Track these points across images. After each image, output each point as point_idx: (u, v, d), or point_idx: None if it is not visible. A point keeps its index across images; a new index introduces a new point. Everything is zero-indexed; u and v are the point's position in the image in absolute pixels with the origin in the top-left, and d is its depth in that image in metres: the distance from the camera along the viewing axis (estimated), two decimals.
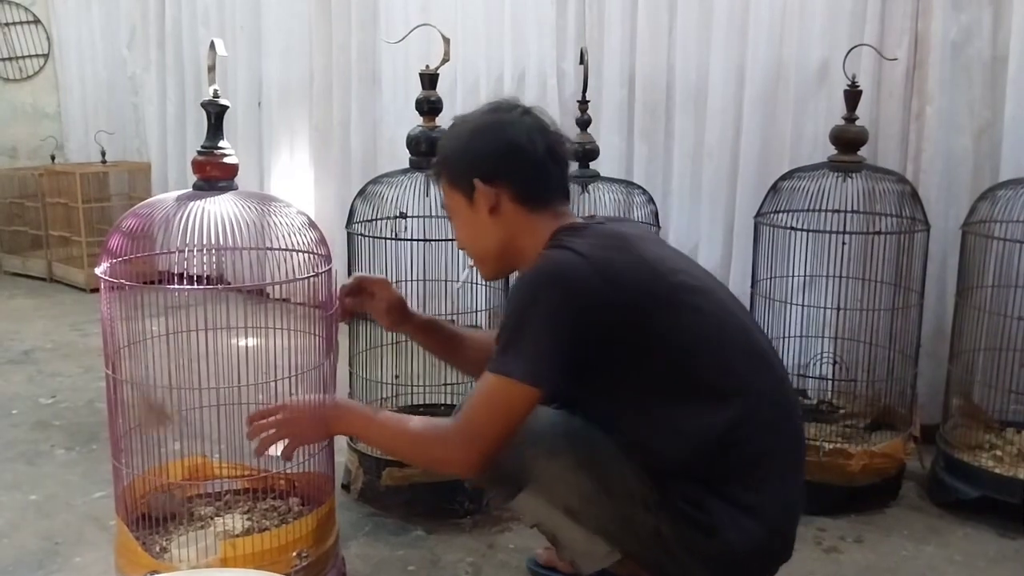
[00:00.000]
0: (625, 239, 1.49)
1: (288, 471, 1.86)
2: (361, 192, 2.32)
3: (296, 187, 4.10)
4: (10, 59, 5.11)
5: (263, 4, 4.08)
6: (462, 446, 1.43)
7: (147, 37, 4.73)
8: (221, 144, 1.68)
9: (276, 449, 1.60)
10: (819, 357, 2.43)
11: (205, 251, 1.60)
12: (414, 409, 2.36)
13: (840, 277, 2.36)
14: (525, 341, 1.39)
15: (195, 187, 1.70)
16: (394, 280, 2.34)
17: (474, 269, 1.67)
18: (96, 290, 1.70)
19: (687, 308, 1.44)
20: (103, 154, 4.73)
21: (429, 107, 2.28)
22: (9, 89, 5.14)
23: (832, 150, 2.33)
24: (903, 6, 2.49)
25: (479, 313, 2.40)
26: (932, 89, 2.47)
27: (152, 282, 1.66)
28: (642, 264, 1.44)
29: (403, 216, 2.39)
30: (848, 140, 2.30)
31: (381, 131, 3.77)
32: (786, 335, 2.42)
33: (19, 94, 5.17)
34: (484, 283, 2.32)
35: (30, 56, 5.17)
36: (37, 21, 5.17)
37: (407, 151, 2.29)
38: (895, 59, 2.49)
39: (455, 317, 2.47)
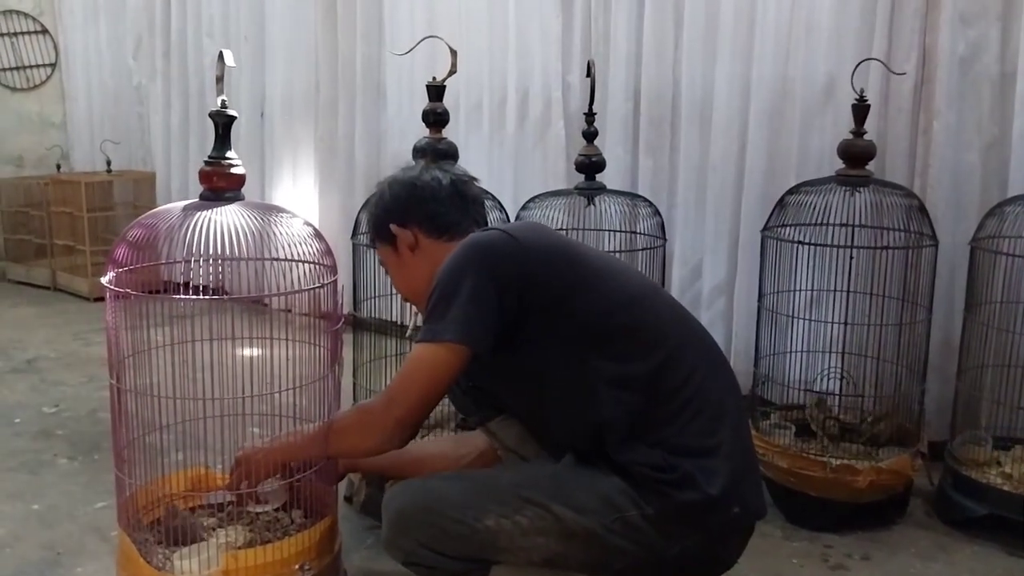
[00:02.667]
0: (540, 225, 1.70)
1: (293, 482, 1.85)
2: (366, 203, 2.31)
3: (299, 198, 4.10)
4: (17, 68, 5.13)
5: (267, 15, 4.10)
6: (379, 413, 1.49)
7: (153, 47, 4.76)
8: (228, 154, 1.68)
9: (268, 487, 1.72)
10: (826, 372, 2.42)
11: (211, 261, 1.60)
12: None
13: (847, 292, 2.35)
14: (452, 308, 1.44)
15: (202, 197, 1.69)
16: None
17: (418, 316, 1.76)
18: (100, 299, 1.70)
19: (603, 272, 1.54)
20: (108, 163, 4.74)
21: (435, 119, 2.28)
22: (16, 98, 5.15)
23: (840, 164, 2.33)
24: (911, 22, 2.49)
25: None
26: (939, 104, 2.46)
27: (157, 292, 1.66)
28: (558, 239, 1.61)
29: None
30: (856, 154, 2.29)
31: (385, 142, 3.78)
32: (792, 350, 2.40)
33: (26, 103, 5.19)
34: None
35: (37, 66, 5.19)
36: (44, 31, 5.19)
37: (412, 162, 2.29)
38: (903, 74, 2.48)
39: None
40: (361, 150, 3.84)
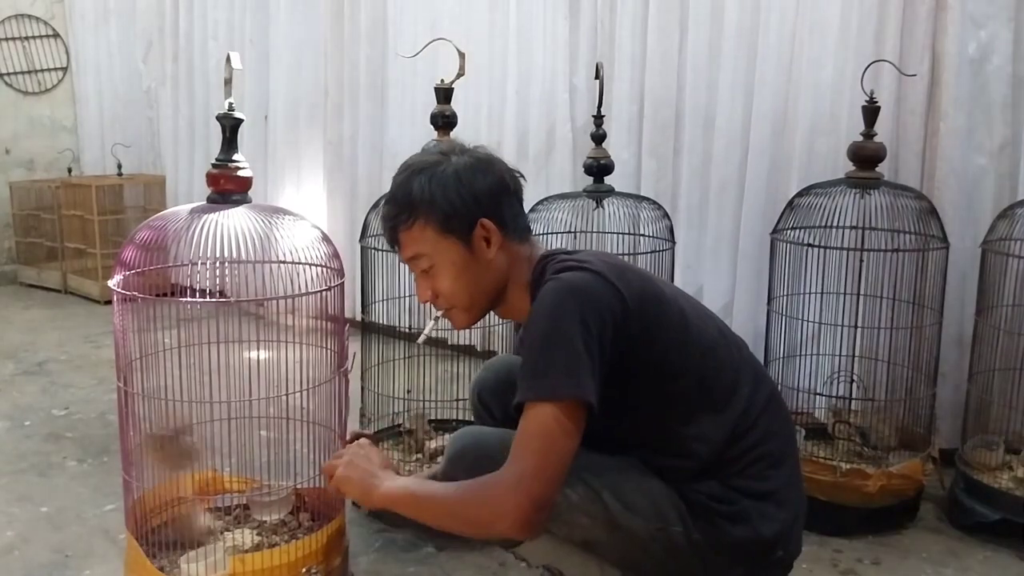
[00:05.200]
0: (619, 260, 1.50)
1: (299, 486, 1.85)
2: (375, 206, 2.31)
3: (302, 201, 4.10)
4: (29, 72, 5.15)
5: (272, 18, 4.10)
6: (508, 494, 1.25)
7: (163, 51, 4.78)
8: (236, 157, 1.69)
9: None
10: (837, 376, 2.40)
11: (218, 264, 1.60)
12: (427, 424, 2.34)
13: (857, 295, 2.34)
14: (558, 357, 1.28)
15: (209, 200, 1.70)
16: (406, 294, 2.34)
17: (439, 320, 1.53)
18: (110, 302, 1.69)
19: (688, 320, 1.44)
20: (119, 167, 4.76)
21: (444, 121, 2.28)
22: (27, 102, 5.18)
23: (849, 166, 2.32)
24: (923, 23, 2.46)
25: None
26: (947, 106, 2.44)
27: (165, 295, 1.66)
28: (646, 277, 1.47)
29: None
30: (866, 156, 2.27)
31: (388, 145, 3.77)
32: (802, 353, 2.39)
33: (37, 106, 5.22)
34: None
35: (49, 70, 5.22)
36: (56, 35, 5.22)
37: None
38: (914, 75, 2.46)
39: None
40: (363, 152, 3.84)
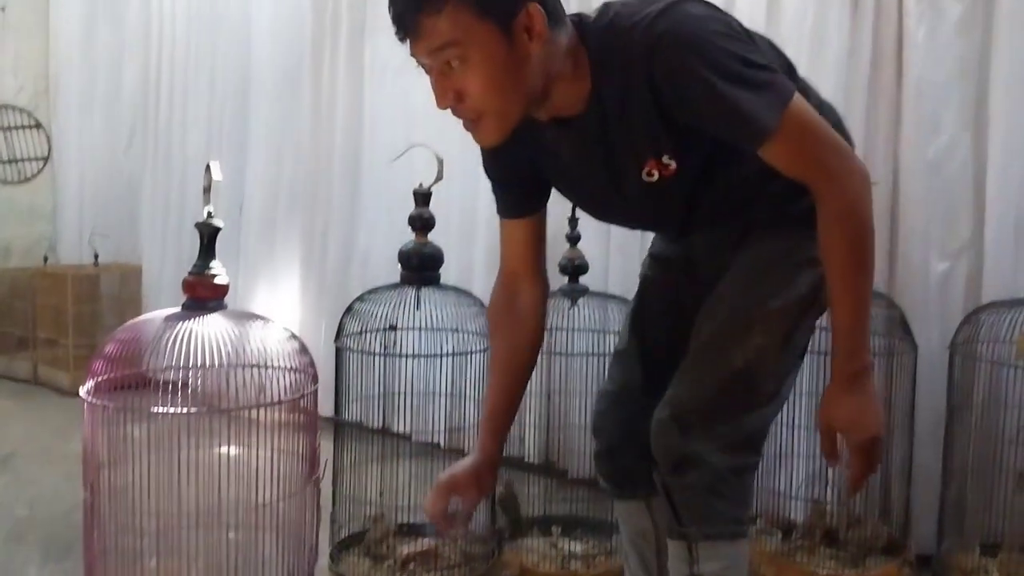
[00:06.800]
0: None
1: None
2: (349, 309, 2.33)
3: (277, 295, 4.05)
4: (10, 162, 5.18)
5: (251, 109, 4.14)
6: (854, 183, 1.29)
7: (145, 139, 4.82)
8: (212, 264, 1.70)
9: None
10: (811, 479, 2.40)
11: (191, 373, 1.59)
12: (399, 528, 2.31)
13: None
14: (755, 70, 1.25)
15: (184, 307, 1.70)
16: (379, 393, 2.34)
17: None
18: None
19: None
20: (96, 256, 4.75)
21: (422, 224, 2.32)
22: (7, 191, 5.19)
23: None
24: (884, 130, 2.55)
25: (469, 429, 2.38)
26: (908, 210, 2.50)
27: (139, 386, 1.65)
28: None
29: (392, 328, 2.40)
30: None
31: (359, 246, 3.74)
32: (778, 454, 2.39)
33: (16, 194, 5.22)
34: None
35: (30, 159, 5.25)
36: (38, 125, 5.27)
37: (398, 265, 2.32)
38: (876, 183, 2.51)
39: (447, 434, 2.44)
40: (337, 252, 3.80)
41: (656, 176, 1.37)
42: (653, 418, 1.40)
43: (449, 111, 1.33)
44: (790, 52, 2.55)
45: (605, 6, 1.36)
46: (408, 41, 1.26)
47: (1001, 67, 2.43)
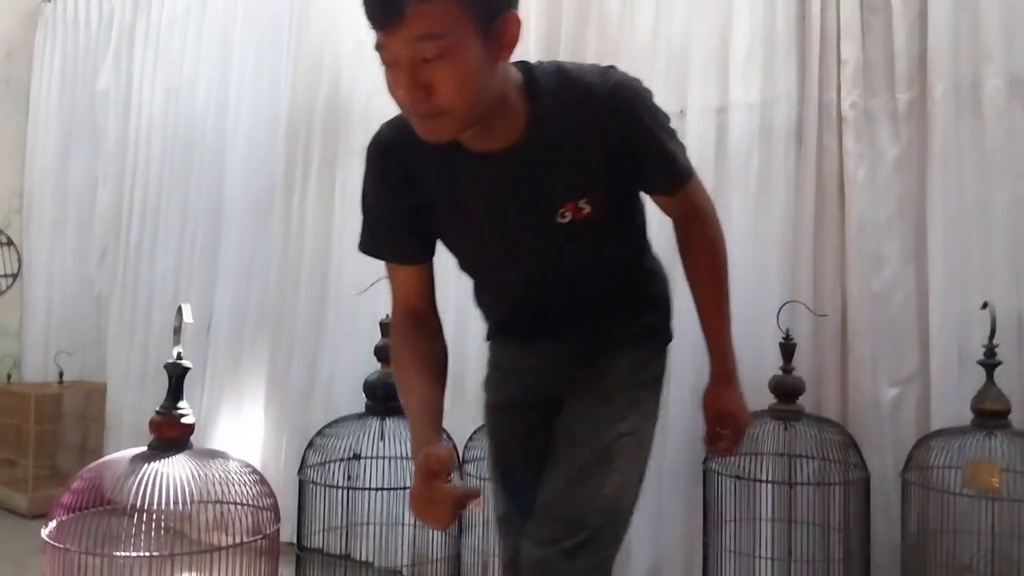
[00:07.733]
0: None
1: None
2: (310, 444, 2.35)
3: (240, 420, 3.98)
4: None
5: (223, 232, 4.16)
6: (715, 219, 1.64)
7: (116, 258, 4.84)
8: (180, 405, 1.74)
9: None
10: None
11: (156, 515, 1.61)
12: None
13: (787, 522, 2.40)
14: (673, 131, 1.54)
15: (150, 447, 1.73)
16: (343, 524, 2.34)
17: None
18: (39, 516, 1.68)
19: None
20: (60, 375, 4.72)
21: (387, 355, 2.37)
22: None
23: (772, 399, 2.44)
24: (831, 264, 2.65)
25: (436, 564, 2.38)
26: (856, 340, 2.59)
27: (99, 547, 1.65)
28: None
29: (357, 458, 2.43)
30: (786, 390, 2.41)
31: (321, 376, 3.65)
32: None
33: None
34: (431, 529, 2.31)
35: None
36: (10, 243, 5.31)
37: (363, 395, 2.36)
38: (824, 315, 2.61)
39: (413, 567, 2.41)
40: (301, 383, 3.71)
41: (568, 218, 1.48)
42: (526, 554, 1.42)
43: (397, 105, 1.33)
44: (738, 190, 2.77)
45: (550, 61, 1.47)
46: (386, 29, 1.23)
47: (936, 204, 2.57)
